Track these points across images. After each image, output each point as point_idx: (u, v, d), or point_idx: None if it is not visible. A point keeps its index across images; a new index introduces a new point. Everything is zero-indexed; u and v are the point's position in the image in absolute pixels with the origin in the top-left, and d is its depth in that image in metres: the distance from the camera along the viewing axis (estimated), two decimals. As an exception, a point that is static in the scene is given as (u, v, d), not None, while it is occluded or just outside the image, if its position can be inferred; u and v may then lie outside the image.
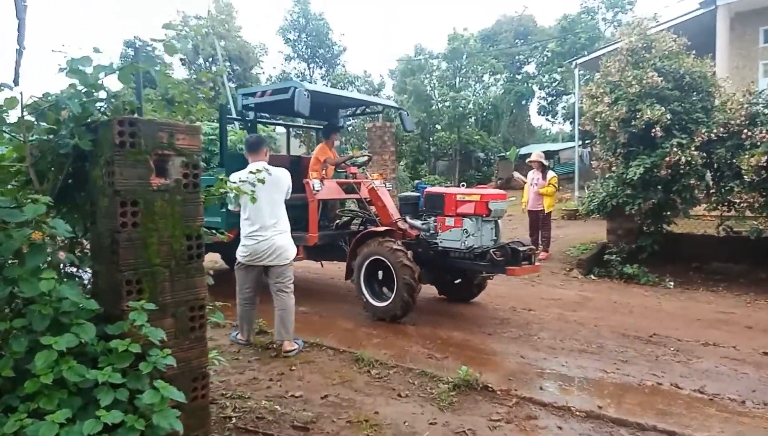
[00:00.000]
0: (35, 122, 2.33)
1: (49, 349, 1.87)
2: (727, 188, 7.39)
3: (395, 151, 12.29)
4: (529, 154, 12.88)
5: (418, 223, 5.99)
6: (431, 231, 5.79)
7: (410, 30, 76.67)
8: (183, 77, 27.75)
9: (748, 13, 12.43)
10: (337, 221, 7.08)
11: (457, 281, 6.46)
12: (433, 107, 33.02)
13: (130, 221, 2.18)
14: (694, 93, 7.73)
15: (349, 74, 29.48)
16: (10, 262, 1.99)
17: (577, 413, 3.43)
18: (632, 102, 7.52)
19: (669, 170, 7.27)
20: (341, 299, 6.70)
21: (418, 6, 74.14)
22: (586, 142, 18.45)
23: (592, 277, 8.20)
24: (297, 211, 6.34)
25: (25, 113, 2.24)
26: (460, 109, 30.42)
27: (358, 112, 8.14)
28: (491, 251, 5.29)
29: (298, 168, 7.16)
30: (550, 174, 9.31)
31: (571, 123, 31.45)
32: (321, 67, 30.03)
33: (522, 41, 37.43)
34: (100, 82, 2.19)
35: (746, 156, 6.82)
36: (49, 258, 1.97)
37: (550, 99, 37.59)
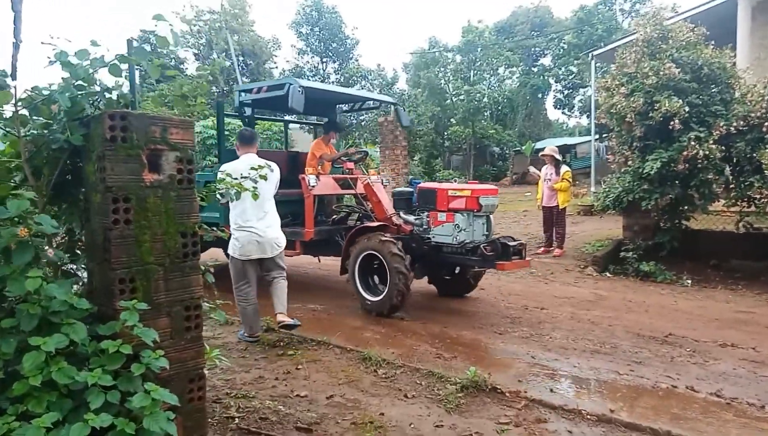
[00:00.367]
0: (30, 117, 2.28)
1: (38, 350, 1.82)
2: (747, 183, 7.18)
3: (407, 146, 12.16)
4: (544, 149, 12.70)
5: (411, 218, 6.03)
6: (424, 226, 5.87)
7: (424, 23, 76.28)
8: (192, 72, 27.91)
9: (770, 3, 12.06)
10: (334, 217, 7.12)
11: (448, 277, 6.53)
12: (447, 101, 32.78)
13: (123, 217, 2.12)
14: (713, 85, 7.49)
15: (362, 68, 29.31)
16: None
17: (588, 416, 3.32)
18: (649, 94, 7.31)
19: (687, 165, 7.06)
20: (350, 297, 6.62)
21: (433, -1, 73.64)
22: (603, 135, 18.16)
23: (608, 274, 8.04)
24: (293, 206, 6.38)
25: (19, 107, 2.20)
26: (475, 102, 30.13)
27: (356, 107, 8.23)
28: (482, 245, 5.37)
29: (296, 163, 7.24)
30: (564, 169, 9.12)
31: (587, 116, 31.08)
32: (334, 61, 29.90)
33: (538, 33, 37.01)
34: (92, 74, 2.12)
35: (767, 150, 6.60)
36: (38, 255, 1.91)
37: (566, 92, 37.18)
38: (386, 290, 5.58)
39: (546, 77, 35.92)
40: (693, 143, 6.93)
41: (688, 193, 7.45)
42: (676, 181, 7.36)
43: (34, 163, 2.32)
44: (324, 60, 29.69)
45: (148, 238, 2.19)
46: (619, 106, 7.56)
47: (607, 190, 8.56)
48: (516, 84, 36.89)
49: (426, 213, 5.86)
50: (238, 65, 26.75)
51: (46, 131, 2.18)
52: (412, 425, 3.26)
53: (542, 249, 9.37)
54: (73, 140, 2.12)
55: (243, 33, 29.15)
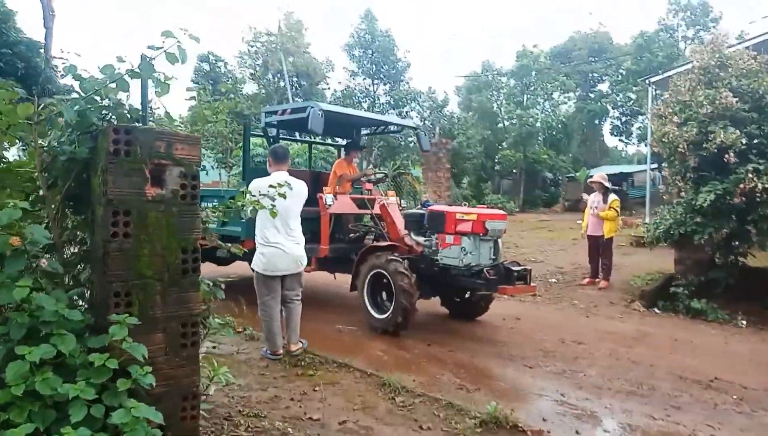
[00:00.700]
0: (46, 129, 2.34)
1: (23, 359, 1.83)
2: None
3: (450, 169, 12.05)
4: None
5: (421, 239, 6.13)
6: (433, 248, 5.94)
7: (478, 47, 76.28)
8: (252, 91, 28.84)
9: None
10: (351, 235, 7.25)
11: (458, 299, 6.59)
12: (499, 125, 32.46)
13: (122, 230, 2.12)
14: (775, 115, 7.04)
15: (412, 90, 29.47)
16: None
17: (613, 464, 3.08)
18: (703, 123, 6.94)
19: (743, 198, 6.62)
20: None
21: (487, 23, 73.69)
22: (663, 164, 17.43)
23: (656, 310, 7.59)
24: (312, 224, 6.54)
25: (38, 119, 2.26)
26: (527, 127, 29.71)
27: (379, 130, 8.53)
28: (485, 269, 5.46)
29: (318, 182, 7.50)
30: (612, 197, 8.75)
31: (645, 145, 30.01)
32: (385, 84, 30.21)
33: (596, 59, 36.26)
34: (100, 89, 2.16)
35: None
36: (31, 265, 1.92)
37: (624, 119, 36.10)
38: (392, 308, 5.67)
39: (603, 103, 35.06)
40: (751, 176, 6.49)
41: (744, 227, 6.97)
42: (732, 215, 6.91)
43: (52, 175, 2.37)
44: (375, 82, 30.06)
45: (147, 252, 2.19)
46: (671, 135, 7.21)
47: (658, 221, 8.14)
48: (572, 109, 36.16)
49: (435, 235, 5.95)
50: (292, 86, 27.48)
51: (56, 143, 2.22)
52: (421, 460, 3.11)
53: (587, 280, 8.98)
54: (79, 153, 2.15)
55: (298, 55, 29.94)
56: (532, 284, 5.74)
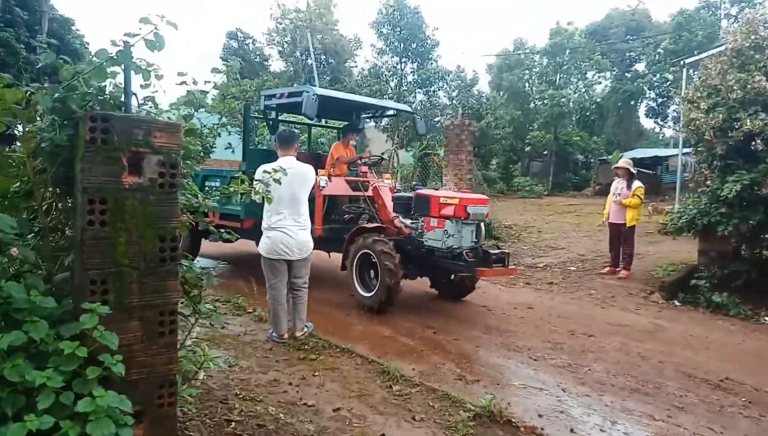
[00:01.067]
0: (37, 115, 2.35)
1: (-9, 346, 1.85)
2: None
3: (473, 151, 11.83)
4: (634, 159, 11.92)
5: (408, 222, 6.34)
6: (419, 230, 6.13)
7: (510, 24, 74.38)
8: (280, 69, 28.79)
9: None
10: (345, 216, 7.42)
11: (444, 280, 6.76)
12: (530, 105, 31.74)
13: (98, 218, 2.12)
14: (814, 102, 6.67)
15: (440, 69, 28.98)
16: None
17: (603, 465, 3.01)
18: (732, 109, 6.62)
19: (773, 189, 6.33)
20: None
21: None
22: (691, 150, 16.81)
23: (676, 303, 7.38)
24: (309, 205, 6.77)
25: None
26: (559, 107, 28.96)
27: (377, 114, 8.77)
28: (464, 251, 5.67)
29: (318, 164, 7.62)
30: (636, 184, 8.47)
31: (680, 128, 28.97)
32: (413, 62, 29.76)
33: (634, 37, 34.96)
34: (79, 76, 2.14)
35: None
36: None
37: (660, 100, 34.83)
38: (377, 286, 5.89)
39: (639, 84, 33.86)
40: (781, 165, 6.19)
41: (772, 220, 6.67)
42: (760, 206, 6.61)
43: (40, 161, 2.39)
44: (403, 60, 29.62)
45: (124, 240, 2.18)
46: (697, 121, 6.90)
47: (681, 210, 7.87)
48: (607, 89, 35.05)
49: (421, 218, 6.13)
50: (319, 64, 27.31)
51: (35, 129, 2.23)
52: (407, 452, 3.10)
53: (607, 269, 8.79)
54: (57, 140, 2.15)
55: (326, 32, 29.70)
56: (511, 267, 6.12)
